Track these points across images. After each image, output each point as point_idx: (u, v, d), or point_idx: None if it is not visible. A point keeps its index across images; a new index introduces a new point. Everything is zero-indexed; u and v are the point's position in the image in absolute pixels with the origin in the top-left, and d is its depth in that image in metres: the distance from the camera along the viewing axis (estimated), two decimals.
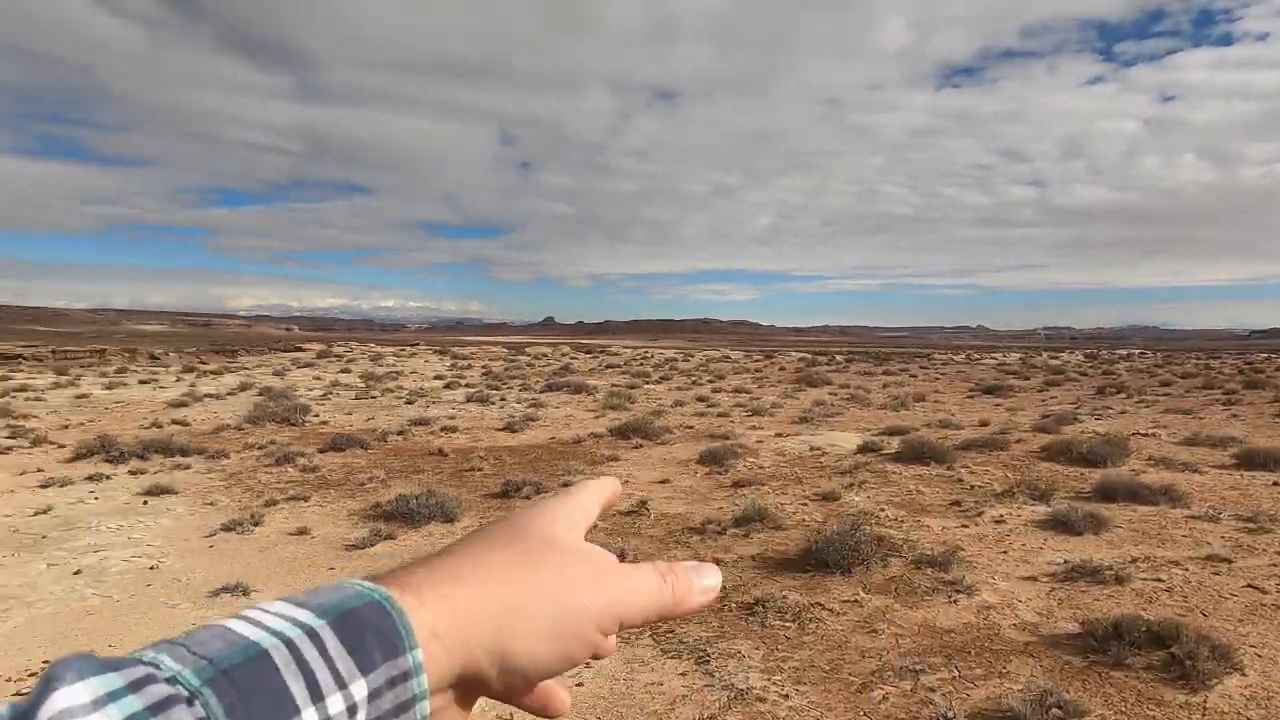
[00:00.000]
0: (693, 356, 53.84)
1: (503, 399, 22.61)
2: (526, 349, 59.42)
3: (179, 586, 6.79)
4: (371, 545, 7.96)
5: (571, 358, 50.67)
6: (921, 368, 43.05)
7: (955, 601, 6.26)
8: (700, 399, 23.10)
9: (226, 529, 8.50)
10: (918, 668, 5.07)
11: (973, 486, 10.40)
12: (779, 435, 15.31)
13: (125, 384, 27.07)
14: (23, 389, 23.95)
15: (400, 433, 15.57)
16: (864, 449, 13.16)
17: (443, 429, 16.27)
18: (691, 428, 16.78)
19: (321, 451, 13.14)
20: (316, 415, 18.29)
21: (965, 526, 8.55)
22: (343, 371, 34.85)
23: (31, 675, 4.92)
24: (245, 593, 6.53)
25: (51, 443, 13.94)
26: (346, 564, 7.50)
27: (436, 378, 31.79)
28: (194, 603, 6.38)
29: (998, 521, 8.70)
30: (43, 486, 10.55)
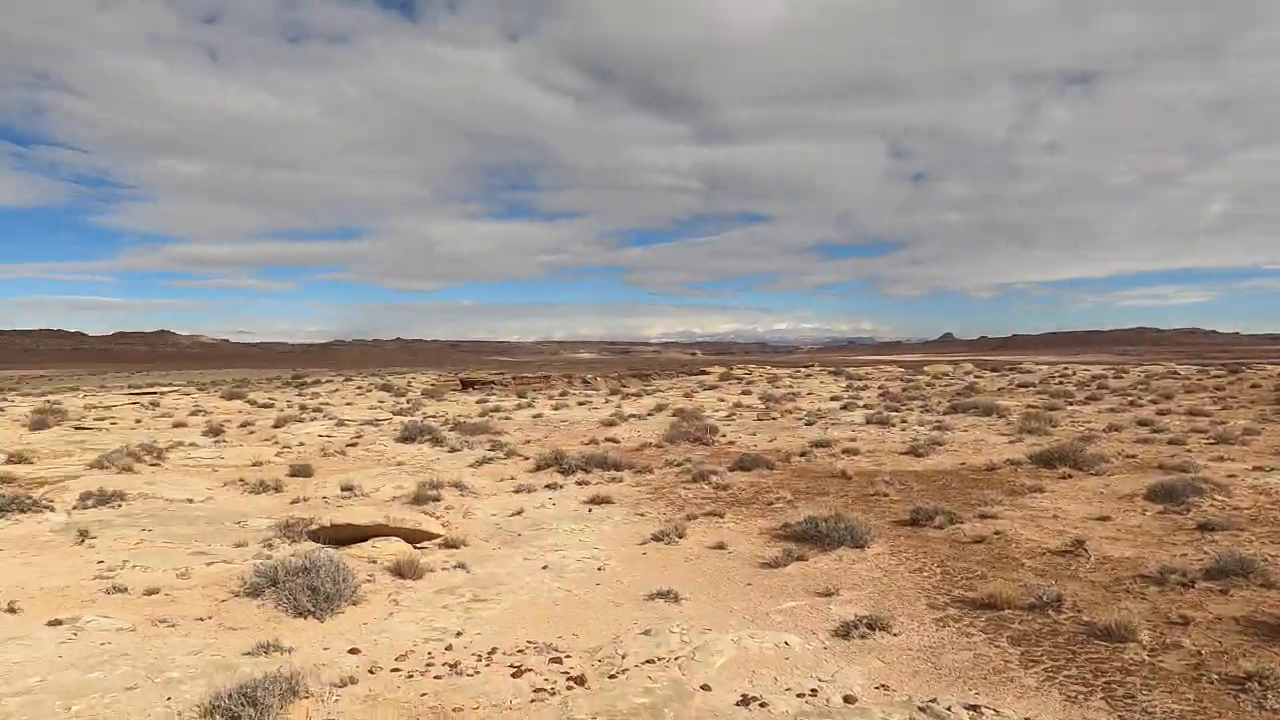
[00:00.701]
0: (1126, 372, 46.50)
1: (903, 421, 21.82)
2: (924, 367, 56.67)
3: (621, 588, 7.67)
4: (784, 565, 8.19)
5: (976, 376, 47.10)
6: None
7: None
8: (1141, 423, 19.84)
9: (655, 539, 9.41)
10: None
11: None
12: (1259, 469, 12.49)
13: (567, 405, 31.66)
14: (496, 409, 29.35)
15: (803, 454, 15.86)
16: None
17: (844, 451, 16.20)
18: (1133, 456, 14.48)
19: (731, 470, 13.90)
20: (724, 435, 19.46)
21: None
22: (744, 393, 36.67)
23: (521, 651, 5.92)
24: (676, 599, 7.14)
25: (518, 455, 16.80)
26: (762, 581, 7.80)
27: (833, 399, 31.84)
28: (634, 604, 7.15)
29: None
30: (515, 492, 12.75)
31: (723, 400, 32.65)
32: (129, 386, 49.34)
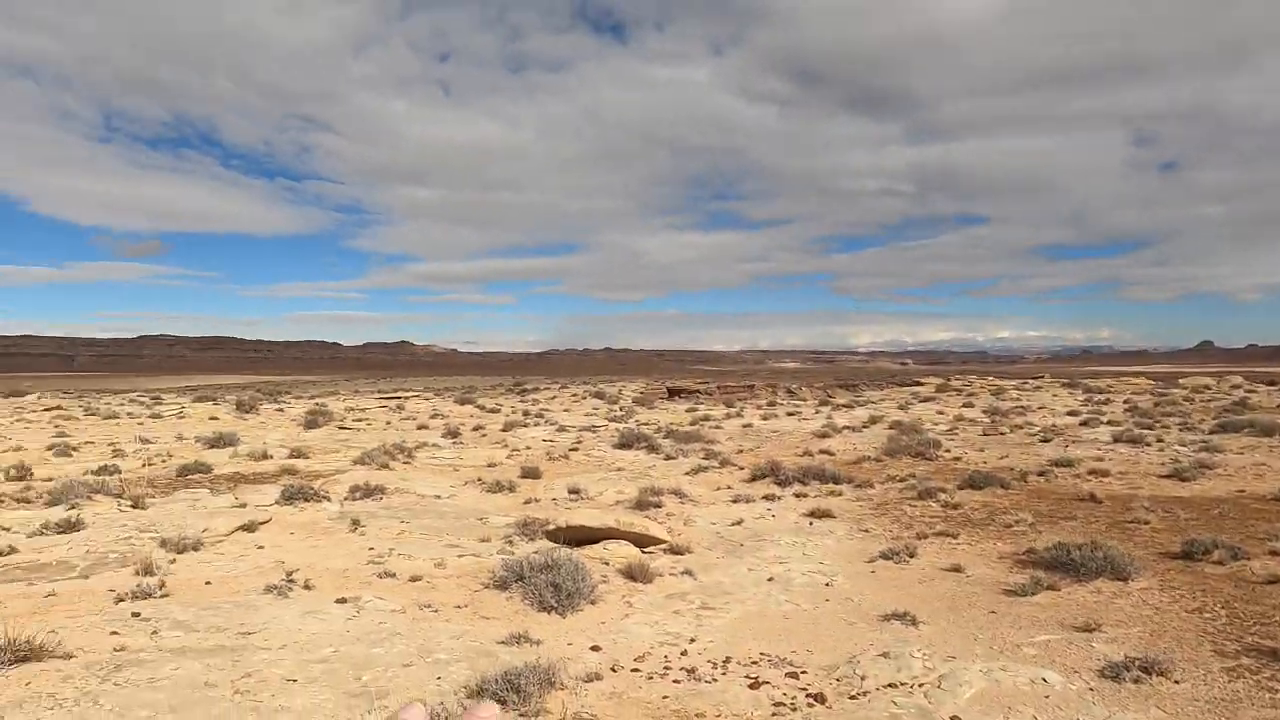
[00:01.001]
0: None
1: (1159, 440, 19.46)
2: (1179, 380, 50.33)
3: (852, 606, 7.44)
4: (1032, 594, 7.56)
5: (1248, 390, 41.14)
6: None
7: None
8: None
9: (884, 557, 9.05)
10: None
11: None
12: None
13: (776, 415, 31.33)
14: (705, 418, 29.65)
15: (1041, 473, 14.61)
16: None
17: (1090, 472, 14.73)
18: None
19: (960, 488, 13.08)
20: (947, 450, 18.38)
21: None
22: (965, 406, 34.47)
23: (755, 662, 5.92)
24: (914, 622, 6.81)
25: (732, 464, 16.84)
26: (1007, 609, 7.25)
27: (1070, 413, 29.09)
28: (868, 624, 6.90)
29: None
30: (733, 501, 12.78)
31: (942, 413, 30.88)
32: (378, 392, 55.16)
